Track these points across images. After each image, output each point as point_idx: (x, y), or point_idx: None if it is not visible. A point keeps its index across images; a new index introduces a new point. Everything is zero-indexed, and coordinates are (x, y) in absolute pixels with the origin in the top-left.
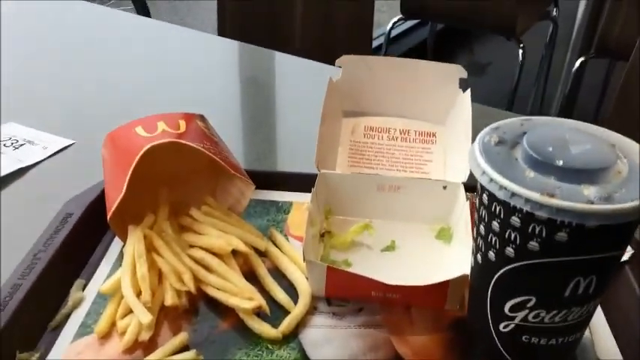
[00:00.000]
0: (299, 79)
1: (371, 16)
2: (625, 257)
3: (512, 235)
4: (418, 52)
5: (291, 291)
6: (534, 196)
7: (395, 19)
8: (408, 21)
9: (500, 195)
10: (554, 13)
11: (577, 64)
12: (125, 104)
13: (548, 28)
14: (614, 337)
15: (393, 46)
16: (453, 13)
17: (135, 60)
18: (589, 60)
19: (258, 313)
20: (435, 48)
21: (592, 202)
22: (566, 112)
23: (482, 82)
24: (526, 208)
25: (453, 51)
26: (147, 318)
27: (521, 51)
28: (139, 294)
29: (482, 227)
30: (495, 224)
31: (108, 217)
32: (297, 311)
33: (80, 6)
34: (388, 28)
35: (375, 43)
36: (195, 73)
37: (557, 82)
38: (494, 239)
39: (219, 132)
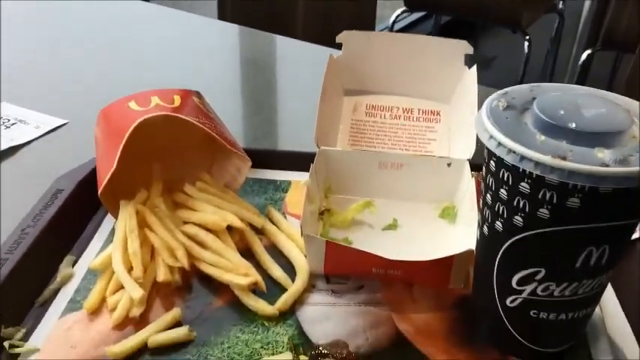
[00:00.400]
0: (300, 61)
1: (373, 11)
2: (636, 235)
3: (521, 203)
4: None
5: (289, 269)
6: (545, 159)
7: (398, 12)
8: (412, 14)
9: (509, 159)
10: (561, 6)
11: (583, 57)
12: (122, 86)
13: (554, 21)
14: (625, 315)
15: None
16: (457, 5)
17: (134, 43)
18: (595, 53)
19: (254, 290)
20: None
21: (607, 165)
22: None
23: (488, 76)
24: (536, 172)
25: None
26: (138, 293)
27: (527, 44)
28: (130, 270)
29: (489, 196)
30: (503, 192)
31: (99, 191)
32: (294, 288)
33: None
34: (391, 21)
35: None
36: (195, 56)
37: (564, 75)
38: (501, 208)
39: (219, 114)
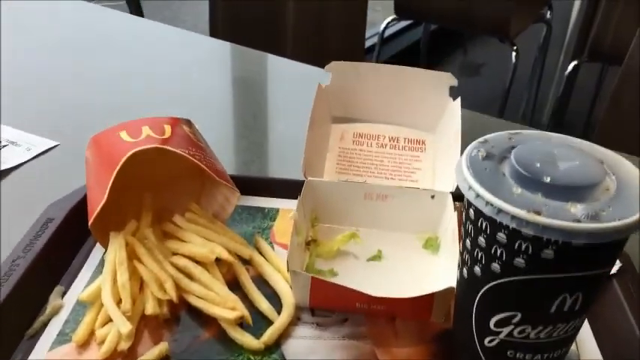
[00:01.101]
0: (291, 82)
1: (364, 17)
2: (613, 271)
3: (499, 251)
4: (412, 52)
5: (275, 300)
6: (520, 213)
7: (389, 19)
8: (402, 21)
9: (487, 211)
10: (549, 16)
11: (570, 67)
12: (114, 105)
13: (542, 31)
14: (601, 351)
15: (387, 46)
16: (446, 14)
17: (125, 60)
18: (582, 64)
19: (241, 323)
20: (429, 48)
21: (579, 221)
22: (558, 115)
23: (476, 84)
24: (512, 225)
25: (446, 51)
26: (126, 328)
27: (514, 53)
28: (119, 302)
29: (468, 242)
30: (481, 239)
31: (89, 223)
32: (280, 322)
33: (71, 4)
34: (382, 28)
35: (368, 43)
36: (187, 73)
37: (550, 85)
38: (480, 254)
39: (208, 134)
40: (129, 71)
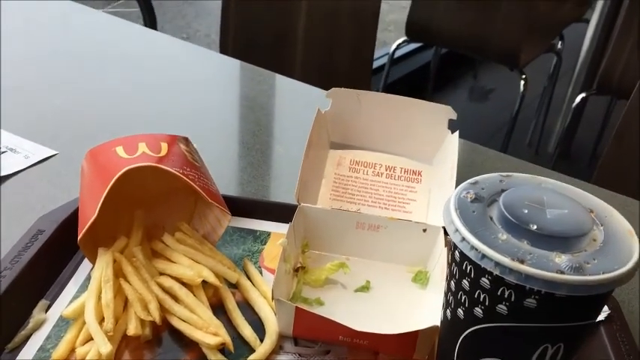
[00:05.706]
0: (297, 104)
1: (373, 40)
2: (600, 317)
3: (482, 296)
4: (421, 74)
5: (259, 326)
6: (504, 260)
7: (399, 41)
8: (413, 43)
9: (471, 255)
10: (559, 47)
11: (578, 99)
12: (118, 117)
13: (552, 61)
14: None
15: (397, 66)
16: (457, 39)
17: (133, 73)
18: (590, 96)
19: (223, 349)
20: (439, 71)
21: (562, 272)
22: (564, 145)
23: (484, 108)
24: (496, 271)
25: (456, 75)
26: (106, 348)
27: (522, 82)
28: (102, 320)
29: (453, 283)
30: (466, 283)
31: (78, 239)
32: (261, 350)
33: (79, 11)
34: (392, 49)
35: (378, 63)
36: (193, 89)
37: (558, 115)
38: (463, 297)
39: (208, 151)
40: (135, 83)
